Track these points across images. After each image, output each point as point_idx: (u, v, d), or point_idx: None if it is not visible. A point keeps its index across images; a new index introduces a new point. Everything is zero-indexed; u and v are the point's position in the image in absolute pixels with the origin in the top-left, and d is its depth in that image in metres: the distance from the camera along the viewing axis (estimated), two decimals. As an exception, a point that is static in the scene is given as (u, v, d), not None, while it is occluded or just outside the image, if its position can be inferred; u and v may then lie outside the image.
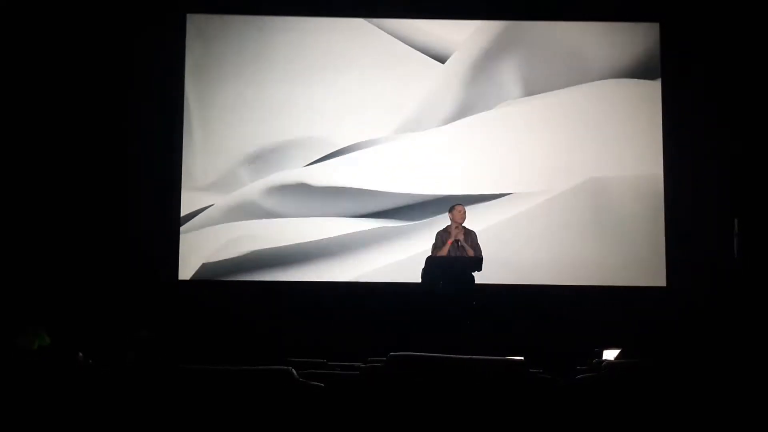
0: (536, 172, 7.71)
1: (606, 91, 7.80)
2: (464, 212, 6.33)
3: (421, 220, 7.55)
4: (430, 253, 6.45)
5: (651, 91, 7.79)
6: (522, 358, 3.17)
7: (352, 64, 7.82)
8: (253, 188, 7.69)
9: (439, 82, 7.80)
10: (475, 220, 6.79)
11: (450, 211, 6.38)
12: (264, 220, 7.66)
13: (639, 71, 7.82)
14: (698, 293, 7.21)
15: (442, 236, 6.35)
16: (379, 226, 7.64)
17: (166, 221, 7.61)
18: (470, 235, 6.37)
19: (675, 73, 7.75)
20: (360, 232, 7.64)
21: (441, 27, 7.87)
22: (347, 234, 7.63)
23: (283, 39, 7.84)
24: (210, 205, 7.67)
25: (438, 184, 7.66)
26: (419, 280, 6.54)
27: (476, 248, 6.37)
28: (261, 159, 7.72)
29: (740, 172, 7.51)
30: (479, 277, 6.40)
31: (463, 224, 6.35)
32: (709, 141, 7.58)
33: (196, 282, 7.55)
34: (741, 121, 7.52)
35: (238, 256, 7.61)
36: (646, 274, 7.62)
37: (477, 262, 6.28)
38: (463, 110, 7.77)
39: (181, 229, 7.62)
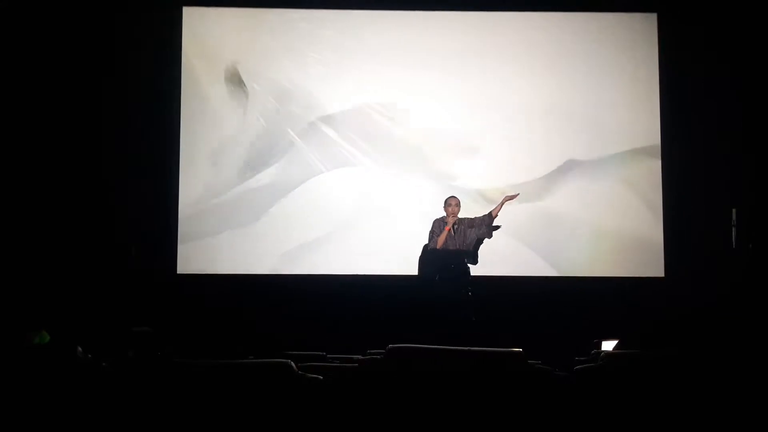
0: (533, 161, 7.71)
1: (605, 81, 7.80)
2: (459, 203, 6.35)
3: (420, 211, 7.55)
4: (427, 242, 6.46)
5: (649, 82, 7.79)
6: (520, 349, 3.18)
7: (349, 56, 7.81)
8: (252, 182, 7.69)
9: (434, 75, 7.79)
10: (473, 212, 6.79)
11: (445, 203, 6.40)
12: (262, 214, 7.65)
13: (637, 61, 7.83)
14: (696, 284, 7.22)
15: (439, 224, 6.36)
16: (378, 218, 7.65)
17: (165, 215, 7.60)
18: (465, 221, 6.39)
19: (673, 64, 7.75)
20: (359, 226, 7.64)
21: (437, 20, 7.87)
22: (347, 229, 7.63)
23: (279, 31, 7.83)
24: (208, 199, 7.66)
25: (434, 176, 7.67)
26: (417, 272, 6.55)
27: (477, 221, 6.35)
28: (260, 153, 7.72)
29: (738, 162, 7.51)
30: (476, 269, 6.41)
31: (458, 215, 6.36)
32: (707, 132, 7.58)
33: (194, 276, 7.55)
34: (740, 115, 7.52)
35: (236, 250, 7.60)
36: (644, 265, 7.63)
37: (473, 254, 6.31)
38: (455, 106, 7.79)
39: (180, 223, 7.61)
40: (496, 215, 6.38)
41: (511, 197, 6.40)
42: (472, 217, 6.43)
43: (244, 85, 7.77)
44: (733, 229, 7.29)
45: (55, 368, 3.02)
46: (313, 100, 7.78)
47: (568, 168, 7.71)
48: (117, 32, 7.59)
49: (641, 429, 2.98)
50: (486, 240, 6.45)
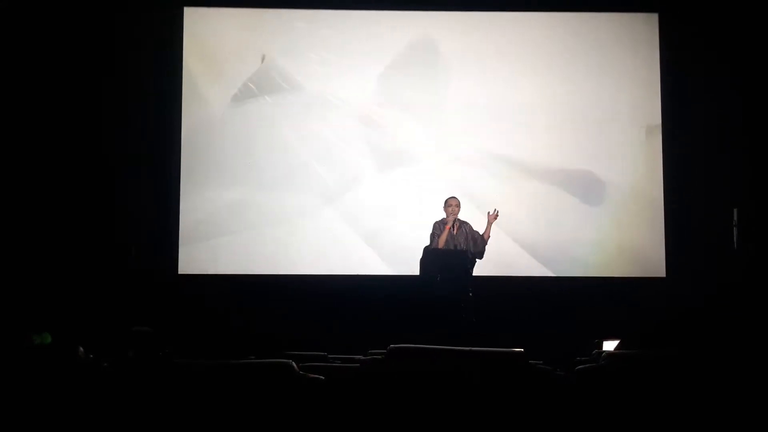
0: (533, 162, 7.71)
1: (606, 81, 7.80)
2: (459, 203, 6.35)
3: (421, 211, 7.54)
4: (428, 244, 6.46)
5: (650, 82, 7.79)
6: (521, 349, 3.18)
7: (349, 56, 7.81)
8: (252, 182, 7.69)
9: (435, 75, 7.80)
10: (472, 214, 6.79)
11: (445, 203, 6.40)
12: (263, 214, 7.65)
13: (638, 61, 7.83)
14: (698, 284, 7.22)
15: (440, 225, 6.37)
16: (380, 218, 7.65)
17: (166, 216, 7.60)
18: (465, 226, 6.40)
19: (674, 64, 7.75)
20: (360, 226, 7.64)
21: (437, 20, 7.87)
22: (348, 229, 7.63)
23: (280, 31, 7.83)
24: (209, 200, 7.66)
25: (435, 176, 7.67)
26: (418, 272, 6.55)
27: (476, 235, 6.37)
28: (259, 153, 7.72)
29: (740, 162, 7.51)
30: (478, 269, 6.41)
31: (458, 216, 6.37)
32: (708, 132, 7.58)
33: (195, 276, 7.55)
34: (741, 115, 7.51)
35: (237, 250, 7.60)
36: (645, 265, 7.63)
37: (474, 254, 6.33)
38: (456, 105, 7.79)
39: (181, 223, 7.61)
40: (488, 237, 6.39)
41: (495, 216, 6.38)
42: (473, 226, 6.43)
43: (244, 84, 7.76)
44: (735, 229, 7.29)
45: (57, 368, 3.02)
46: (313, 101, 7.77)
47: (568, 168, 7.71)
48: (117, 32, 7.59)
49: (642, 429, 2.98)
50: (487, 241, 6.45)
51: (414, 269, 6.62)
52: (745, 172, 7.49)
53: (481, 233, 6.39)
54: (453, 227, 6.30)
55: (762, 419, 2.96)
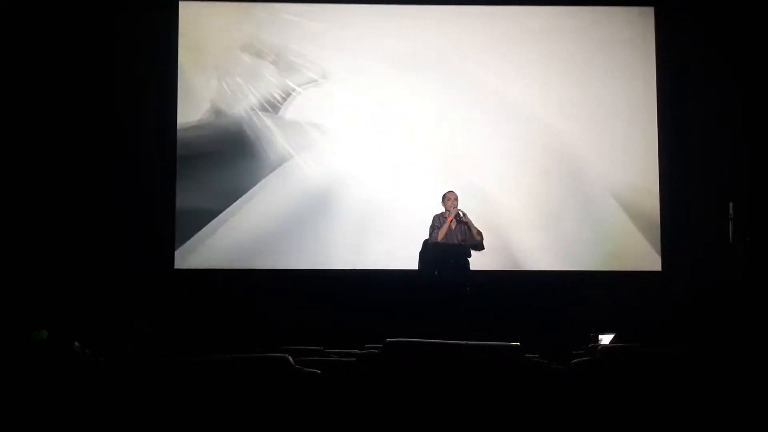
0: (529, 157, 7.72)
1: (602, 76, 7.80)
2: (457, 197, 6.38)
3: (419, 206, 7.54)
4: (427, 237, 6.48)
5: (646, 76, 7.79)
6: (518, 343, 3.18)
7: (344, 50, 7.80)
8: (249, 178, 7.68)
9: (430, 70, 7.79)
10: (471, 207, 6.80)
11: (444, 197, 6.42)
12: (261, 210, 7.65)
13: (634, 56, 7.83)
14: (693, 277, 7.24)
15: (439, 218, 6.39)
16: (378, 213, 7.65)
17: (162, 210, 7.59)
18: (463, 219, 6.42)
19: (670, 58, 7.75)
20: (358, 220, 7.64)
21: (432, 14, 7.86)
22: (345, 223, 7.63)
23: (275, 25, 7.81)
24: (205, 195, 7.65)
25: (433, 171, 7.67)
26: (416, 267, 6.57)
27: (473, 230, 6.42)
28: (256, 150, 7.71)
29: (736, 156, 7.52)
30: (475, 264, 6.43)
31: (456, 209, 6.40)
32: (705, 126, 7.59)
33: (192, 271, 7.54)
34: (738, 109, 7.52)
35: (234, 244, 7.60)
36: (641, 259, 7.64)
37: (473, 247, 6.36)
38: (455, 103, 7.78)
39: (177, 218, 7.60)
40: (477, 232, 6.42)
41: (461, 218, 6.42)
42: (472, 220, 6.45)
43: (238, 81, 7.75)
44: (730, 222, 7.31)
45: (53, 364, 3.02)
46: (307, 96, 7.76)
47: (564, 163, 7.71)
48: (115, 28, 7.56)
49: (638, 422, 2.99)
50: (484, 235, 6.47)
51: (412, 263, 6.63)
52: (741, 166, 7.49)
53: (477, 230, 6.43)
54: (453, 221, 6.32)
55: (758, 412, 2.97)
